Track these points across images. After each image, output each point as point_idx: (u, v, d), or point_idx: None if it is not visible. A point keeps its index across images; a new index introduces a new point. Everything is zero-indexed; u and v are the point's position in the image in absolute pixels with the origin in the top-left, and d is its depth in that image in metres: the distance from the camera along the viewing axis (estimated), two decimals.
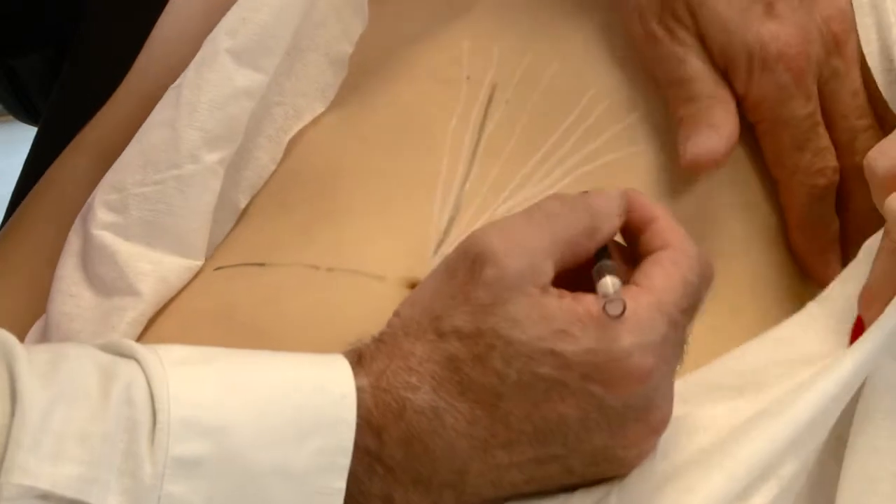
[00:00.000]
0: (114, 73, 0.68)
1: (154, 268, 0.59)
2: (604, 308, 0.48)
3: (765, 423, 0.51)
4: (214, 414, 0.46)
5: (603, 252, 0.52)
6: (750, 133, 0.63)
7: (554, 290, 0.50)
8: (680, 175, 0.62)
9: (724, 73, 0.62)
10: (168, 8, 0.68)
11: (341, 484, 0.47)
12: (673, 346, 0.51)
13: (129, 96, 0.67)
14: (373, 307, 0.55)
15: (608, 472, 0.52)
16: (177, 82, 0.61)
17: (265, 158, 0.62)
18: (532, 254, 0.50)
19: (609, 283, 0.49)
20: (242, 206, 0.62)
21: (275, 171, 0.62)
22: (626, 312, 0.48)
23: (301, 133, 0.63)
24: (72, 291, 0.60)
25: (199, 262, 0.61)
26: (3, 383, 0.45)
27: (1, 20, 0.84)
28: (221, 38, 0.60)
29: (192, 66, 0.60)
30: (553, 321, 0.49)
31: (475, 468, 0.50)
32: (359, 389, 0.48)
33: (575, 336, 0.49)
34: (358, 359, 0.50)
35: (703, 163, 0.60)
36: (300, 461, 0.47)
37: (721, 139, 0.60)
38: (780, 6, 0.61)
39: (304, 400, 0.47)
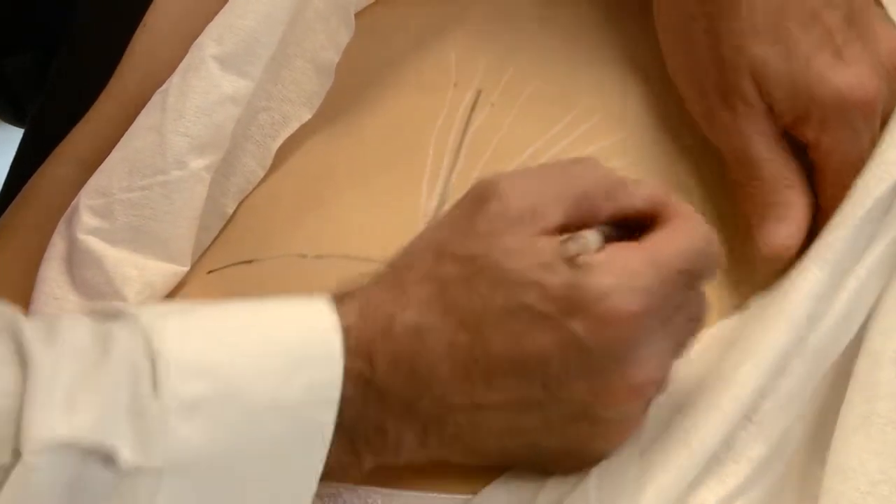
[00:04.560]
0: (102, 77, 0.68)
1: (140, 273, 0.59)
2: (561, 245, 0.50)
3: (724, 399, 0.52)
4: (207, 355, 0.47)
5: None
6: None
7: (555, 235, 0.51)
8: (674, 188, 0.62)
9: (794, 127, 0.60)
10: (148, 14, 0.67)
11: (330, 417, 0.48)
12: (665, 304, 0.50)
13: (112, 103, 0.66)
14: None
15: (586, 438, 0.52)
16: (163, 87, 0.61)
17: (253, 164, 0.62)
18: (539, 196, 0.51)
19: (583, 232, 0.50)
20: (230, 212, 0.62)
21: (264, 177, 0.63)
22: (616, 260, 0.50)
23: (290, 138, 0.63)
24: (56, 294, 0.60)
25: (185, 268, 0.60)
26: (12, 351, 0.46)
27: None
28: (208, 44, 0.60)
29: (177, 71, 0.60)
30: (542, 255, 0.50)
31: (457, 401, 0.50)
32: (344, 315, 0.49)
33: (559, 271, 0.49)
34: (342, 295, 0.51)
35: (782, 256, 0.59)
36: (293, 393, 0.48)
37: (797, 230, 0.59)
38: (849, 50, 0.58)
39: (289, 335, 0.49)
